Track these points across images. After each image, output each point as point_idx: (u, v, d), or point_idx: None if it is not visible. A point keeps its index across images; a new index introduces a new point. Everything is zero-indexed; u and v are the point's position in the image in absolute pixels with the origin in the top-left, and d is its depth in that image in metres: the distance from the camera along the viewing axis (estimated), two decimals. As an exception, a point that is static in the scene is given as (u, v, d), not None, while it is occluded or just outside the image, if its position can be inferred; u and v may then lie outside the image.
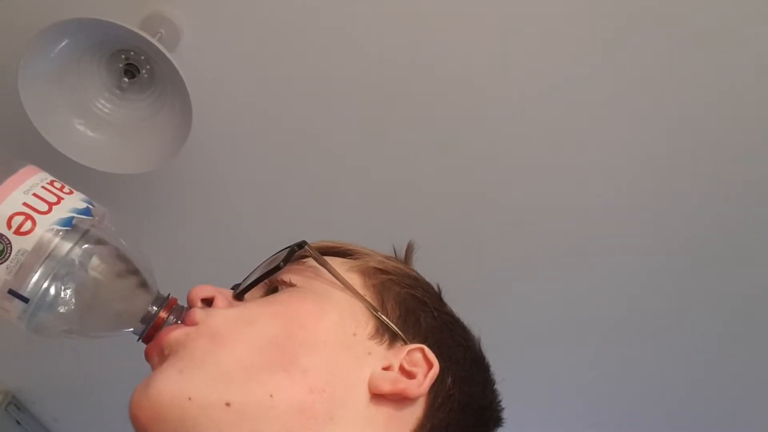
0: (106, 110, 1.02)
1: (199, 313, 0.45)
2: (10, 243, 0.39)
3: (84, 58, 0.97)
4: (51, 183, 0.43)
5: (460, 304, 0.56)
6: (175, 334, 0.44)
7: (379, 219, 1.29)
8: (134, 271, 0.45)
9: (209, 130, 1.13)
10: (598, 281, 1.36)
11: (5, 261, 0.39)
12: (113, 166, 1.02)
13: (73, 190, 0.44)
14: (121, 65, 1.00)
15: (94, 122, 1.02)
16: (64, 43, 0.93)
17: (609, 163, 1.17)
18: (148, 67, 1.00)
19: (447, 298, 0.56)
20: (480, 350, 0.53)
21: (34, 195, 0.41)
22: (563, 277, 1.36)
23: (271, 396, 0.41)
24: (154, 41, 0.89)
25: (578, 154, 1.17)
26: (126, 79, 1.01)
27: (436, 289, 0.55)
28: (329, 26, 1.04)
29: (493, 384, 0.52)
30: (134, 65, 1.00)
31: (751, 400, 1.57)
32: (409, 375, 0.45)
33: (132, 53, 0.99)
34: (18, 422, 1.73)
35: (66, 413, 1.81)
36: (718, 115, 1.09)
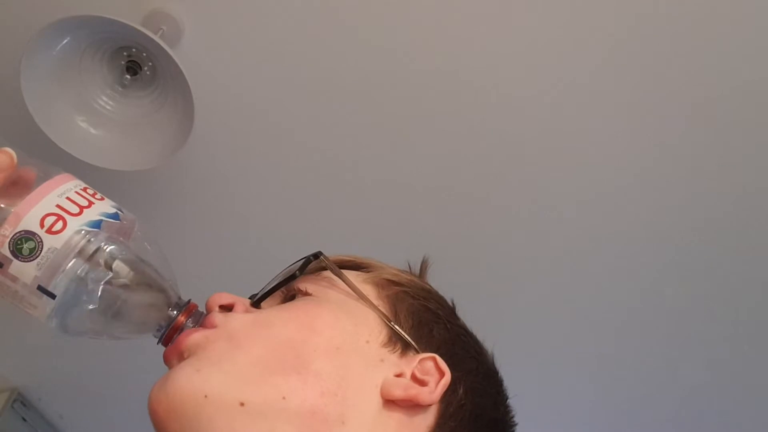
0: (108, 107, 1.02)
1: (218, 317, 0.47)
2: (41, 241, 0.41)
3: (86, 56, 0.97)
4: (84, 189, 0.45)
5: (463, 304, 0.56)
6: (195, 336, 0.45)
7: (380, 216, 1.29)
8: (157, 275, 0.46)
9: (211, 127, 1.13)
10: (602, 281, 1.35)
11: (36, 258, 0.41)
12: (115, 163, 1.02)
13: (104, 196, 0.46)
14: (123, 62, 1.00)
15: (97, 119, 1.02)
16: (66, 41, 0.93)
17: (612, 160, 1.17)
18: (150, 64, 1.00)
19: (445, 292, 0.57)
20: (493, 364, 0.54)
21: (67, 198, 0.43)
22: (566, 277, 1.36)
23: (284, 398, 0.42)
24: (155, 38, 0.89)
25: (581, 153, 1.16)
26: (128, 76, 1.01)
27: (450, 303, 0.56)
28: (331, 22, 1.04)
29: (506, 399, 0.53)
30: (136, 62, 1.00)
31: (759, 399, 1.56)
32: (421, 383, 0.45)
33: (134, 50, 0.99)
34: (24, 419, 1.74)
35: (72, 410, 1.82)
36: (727, 108, 1.09)
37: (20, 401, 1.73)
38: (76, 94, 1.00)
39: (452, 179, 1.22)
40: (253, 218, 1.32)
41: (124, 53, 1.00)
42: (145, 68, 1.01)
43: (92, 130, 1.02)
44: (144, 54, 0.99)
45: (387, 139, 1.17)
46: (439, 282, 0.58)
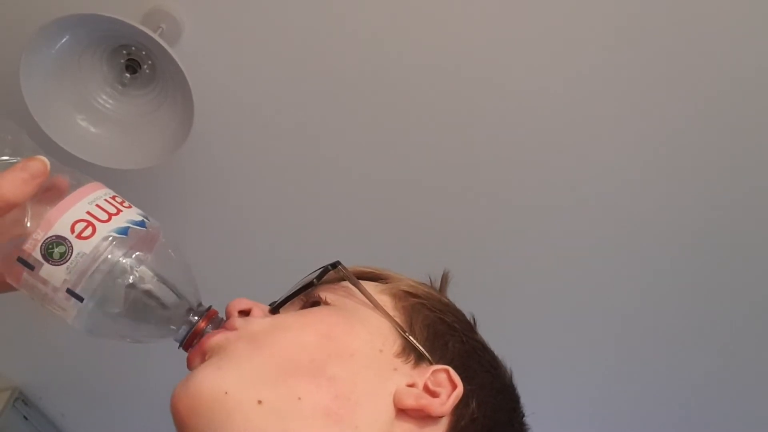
0: (107, 106, 1.02)
1: (238, 321, 0.49)
2: (71, 246, 0.43)
3: (85, 54, 0.97)
4: (113, 198, 0.48)
5: (468, 304, 0.56)
6: (217, 338, 0.47)
7: (379, 214, 1.28)
8: (180, 281, 0.48)
9: (211, 125, 1.13)
10: (605, 280, 1.35)
11: (66, 262, 0.43)
12: (115, 162, 1.02)
13: (131, 205, 0.48)
14: (122, 60, 1.00)
15: (96, 118, 1.02)
16: (65, 39, 0.93)
17: (614, 159, 1.17)
18: (149, 62, 1.00)
19: (454, 295, 0.58)
20: (510, 380, 0.54)
21: (97, 206, 0.45)
22: (569, 277, 1.35)
23: (299, 399, 0.43)
24: (155, 36, 0.89)
25: (582, 151, 1.16)
26: (127, 75, 1.01)
27: (468, 317, 0.56)
28: (331, 20, 1.03)
29: (522, 415, 0.53)
30: (136, 60, 1.00)
31: (762, 399, 1.56)
32: (433, 394, 0.46)
33: (133, 48, 0.99)
34: (25, 417, 1.74)
35: (73, 409, 1.82)
36: (727, 109, 1.09)
37: (21, 400, 1.73)
38: (76, 92, 0.99)
39: (455, 177, 1.22)
40: (254, 216, 1.32)
41: (124, 51, 1.00)
42: (145, 66, 1.01)
43: (92, 129, 1.02)
44: (143, 52, 0.99)
45: (389, 135, 1.17)
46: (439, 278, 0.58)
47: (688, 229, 1.25)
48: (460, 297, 0.58)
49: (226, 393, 0.43)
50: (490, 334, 0.56)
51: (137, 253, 0.46)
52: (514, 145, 1.16)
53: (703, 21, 0.99)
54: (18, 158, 0.45)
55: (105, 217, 0.45)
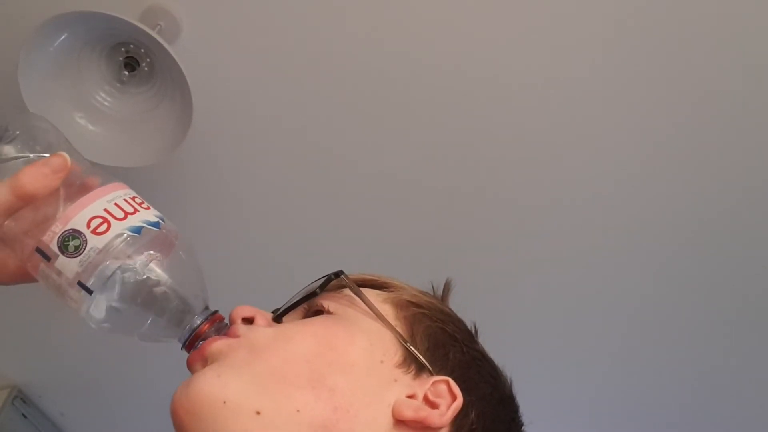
0: (106, 104, 1.02)
1: (241, 328, 0.49)
2: (86, 240, 0.45)
3: (84, 52, 0.97)
4: (132, 198, 0.50)
5: (467, 303, 0.56)
6: (218, 344, 0.48)
7: (379, 214, 1.28)
8: (188, 283, 0.49)
9: (210, 123, 1.13)
10: (606, 279, 1.35)
11: (79, 255, 0.45)
12: (114, 160, 1.02)
13: (150, 206, 0.50)
14: (120, 58, 1.00)
15: (95, 116, 1.02)
16: (63, 37, 0.92)
17: (614, 158, 1.17)
18: (148, 60, 1.00)
19: (454, 294, 0.58)
20: (509, 390, 0.54)
21: (115, 204, 0.48)
22: (570, 275, 1.35)
23: (297, 411, 0.44)
24: (153, 34, 0.89)
25: (581, 149, 1.16)
26: (126, 72, 1.01)
27: (470, 326, 0.57)
28: (330, 19, 1.03)
29: (521, 426, 0.54)
30: (134, 58, 1.00)
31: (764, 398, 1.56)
32: (433, 405, 0.47)
33: (132, 46, 0.99)
34: (24, 416, 1.74)
35: (73, 407, 1.82)
36: (726, 107, 1.09)
37: (21, 398, 1.73)
38: (74, 90, 0.99)
39: (455, 176, 1.22)
40: (253, 216, 1.32)
41: (122, 49, 1.00)
42: (143, 64, 1.01)
43: (90, 127, 1.02)
44: (142, 50, 0.99)
45: (388, 135, 1.17)
46: (441, 279, 0.59)
47: (688, 228, 1.25)
48: (460, 297, 0.58)
49: (225, 402, 0.43)
50: (489, 333, 0.56)
51: (148, 252, 0.47)
52: (515, 144, 1.16)
53: (704, 20, 0.99)
54: (48, 155, 0.48)
55: (121, 215, 0.47)
